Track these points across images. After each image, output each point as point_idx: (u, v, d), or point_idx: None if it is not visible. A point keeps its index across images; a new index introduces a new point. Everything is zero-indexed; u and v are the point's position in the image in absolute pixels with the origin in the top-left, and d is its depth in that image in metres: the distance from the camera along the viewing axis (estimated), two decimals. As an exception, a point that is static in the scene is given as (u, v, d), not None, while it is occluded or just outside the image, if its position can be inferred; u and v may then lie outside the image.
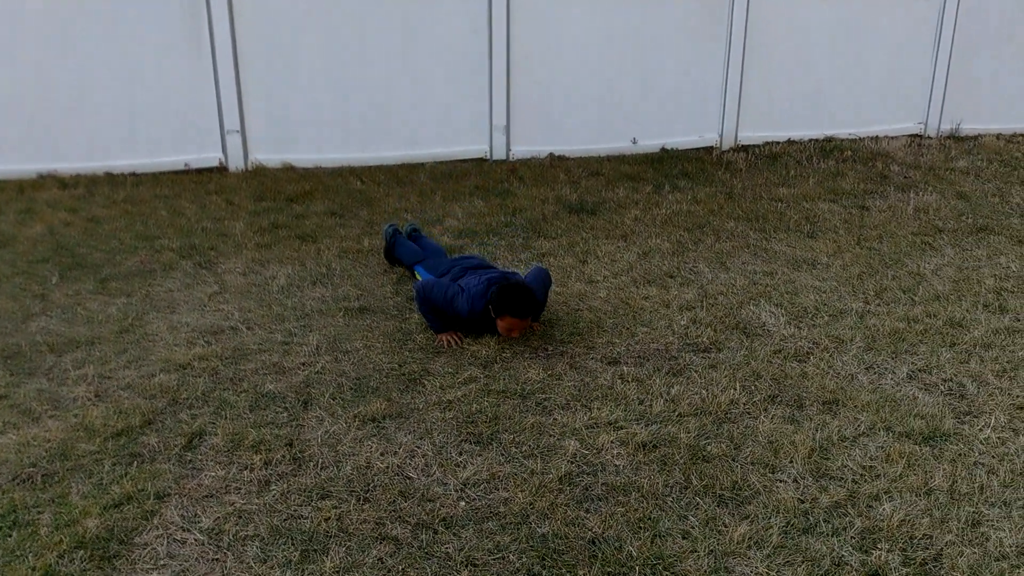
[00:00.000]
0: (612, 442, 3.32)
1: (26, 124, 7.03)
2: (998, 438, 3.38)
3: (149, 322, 4.43)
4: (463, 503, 2.95)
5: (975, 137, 9.03)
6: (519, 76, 7.90)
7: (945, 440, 3.36)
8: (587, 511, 2.92)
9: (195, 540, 2.76)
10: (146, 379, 3.80)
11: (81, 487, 3.02)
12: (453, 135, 7.97)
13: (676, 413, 3.53)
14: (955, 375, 3.88)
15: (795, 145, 8.52)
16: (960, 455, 3.26)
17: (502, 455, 3.23)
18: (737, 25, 8.21)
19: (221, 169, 7.53)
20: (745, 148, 8.48)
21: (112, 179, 7.13)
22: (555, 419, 3.49)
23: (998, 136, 9.09)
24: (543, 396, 3.68)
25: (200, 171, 7.42)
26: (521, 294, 4.06)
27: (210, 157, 7.54)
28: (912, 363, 3.99)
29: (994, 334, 4.30)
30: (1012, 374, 3.90)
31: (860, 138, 8.80)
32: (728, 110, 8.51)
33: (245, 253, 5.44)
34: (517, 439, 3.34)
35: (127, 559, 2.67)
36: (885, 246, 5.63)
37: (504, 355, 4.07)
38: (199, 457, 3.22)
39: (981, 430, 3.44)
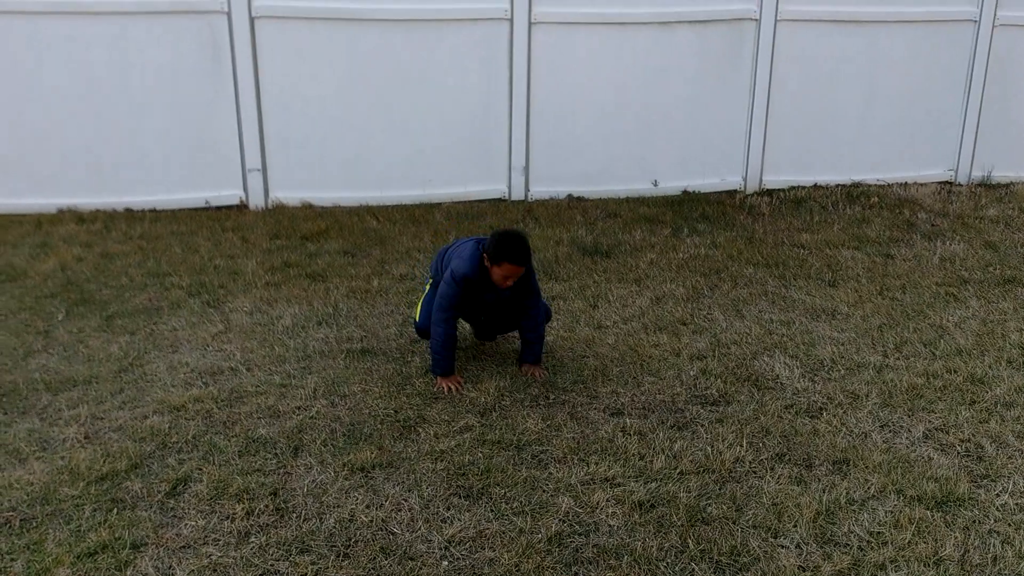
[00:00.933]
0: (608, 500, 3.19)
1: (47, 159, 7.11)
2: (1016, 504, 3.21)
3: (149, 361, 4.39)
4: (446, 562, 2.84)
5: (1007, 185, 8.82)
6: (538, 117, 7.87)
7: (959, 505, 3.19)
8: (575, 575, 2.79)
9: (165, 594, 2.67)
10: (138, 421, 3.74)
11: (58, 534, 2.95)
12: (472, 175, 7.93)
13: (677, 470, 3.40)
14: (973, 435, 3.70)
15: (821, 190, 8.37)
16: (974, 522, 3.09)
17: (491, 511, 3.12)
18: (762, 68, 8.12)
19: (241, 207, 7.55)
20: (769, 192, 8.35)
21: (131, 215, 7.18)
22: (550, 473, 3.37)
23: (1031, 184, 8.88)
24: (540, 448, 3.56)
25: (220, 208, 7.44)
26: (517, 238, 3.96)
27: (231, 195, 7.57)
28: (929, 421, 3.83)
29: (1017, 392, 4.12)
30: (1035, 436, 3.71)
31: (888, 184, 8.63)
32: (752, 153, 8.40)
33: (254, 292, 5.41)
34: (508, 494, 3.22)
35: (93, 613, 2.58)
36: (908, 296, 5.46)
37: (503, 403, 3.97)
38: (181, 505, 3.14)
39: (998, 495, 3.26)
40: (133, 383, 4.13)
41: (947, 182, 8.85)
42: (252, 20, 7.21)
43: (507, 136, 7.88)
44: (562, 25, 7.77)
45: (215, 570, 2.79)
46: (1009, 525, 3.08)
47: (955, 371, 4.34)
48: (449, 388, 4.08)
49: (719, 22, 8.06)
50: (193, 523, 3.02)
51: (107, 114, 7.14)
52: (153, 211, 7.31)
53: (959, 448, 3.61)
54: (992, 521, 3.11)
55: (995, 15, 8.47)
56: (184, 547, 2.89)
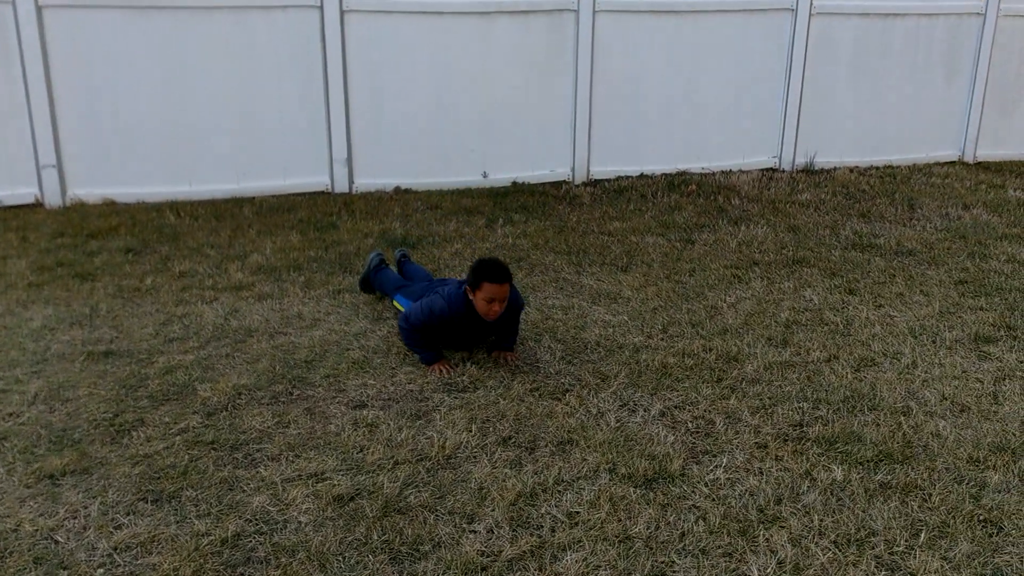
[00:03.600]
0: (307, 496, 3.04)
1: None
2: (727, 479, 3.20)
3: None
4: (102, 570, 2.64)
5: (830, 170, 9.07)
6: (359, 108, 7.69)
7: (668, 482, 3.15)
8: (240, 575, 2.62)
9: None
10: None
11: None
12: (292, 167, 7.69)
13: (393, 460, 3.28)
14: (707, 412, 3.70)
15: (646, 179, 8.43)
16: (678, 498, 3.06)
17: (174, 515, 2.93)
18: (583, 59, 8.12)
19: (37, 205, 7.13)
20: (595, 183, 8.37)
21: (-89, 217, 6.68)
22: (257, 472, 3.20)
23: (852, 169, 9.15)
24: (257, 447, 3.39)
25: (13, 208, 7.00)
26: (493, 260, 4.09)
27: (25, 193, 7.14)
28: (668, 399, 3.81)
29: (766, 369, 4.15)
30: (769, 410, 3.74)
31: (712, 172, 8.76)
32: (579, 144, 8.40)
33: (12, 294, 5.07)
34: (200, 496, 3.04)
35: None
36: (694, 279, 5.50)
37: (239, 401, 3.78)
38: None
39: (712, 471, 3.25)
40: None
41: (771, 168, 9.04)
42: (39, 9, 6.81)
43: (326, 127, 7.68)
44: (378, 14, 7.61)
45: None
46: (713, 500, 3.06)
47: (711, 350, 4.35)
48: (441, 371, 4.09)
49: (539, 12, 8.03)
50: None
51: None
52: (-64, 214, 6.83)
53: (690, 425, 3.60)
54: (697, 497, 3.08)
55: (811, 3, 8.69)
56: None
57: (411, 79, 7.78)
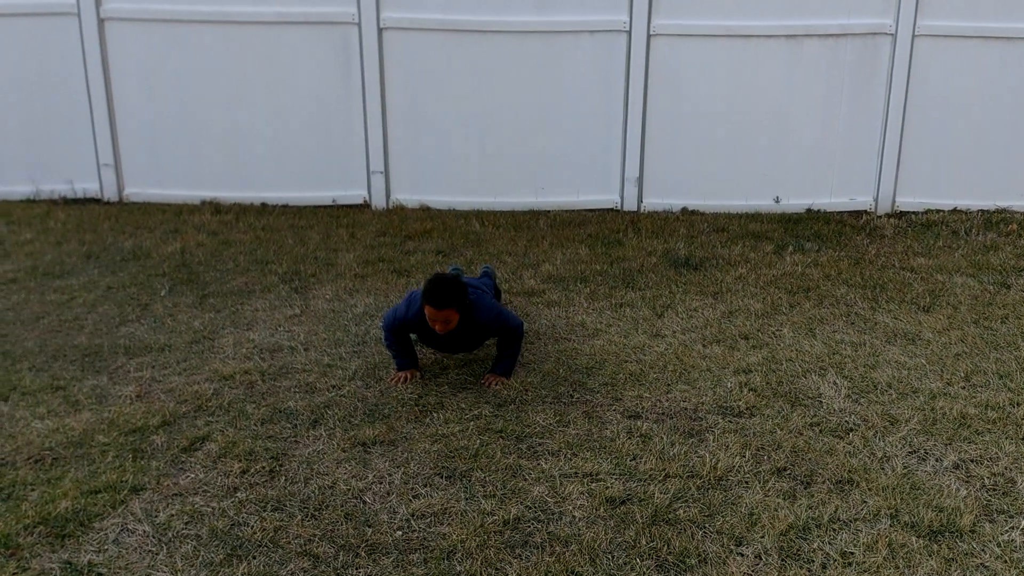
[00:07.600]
0: (581, 493, 3.21)
1: (191, 156, 7.87)
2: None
3: (222, 336, 4.80)
4: (400, 532, 2.97)
5: None
6: (654, 130, 7.86)
7: (956, 536, 2.97)
8: (516, 556, 2.85)
9: (143, 532, 2.96)
10: (188, 386, 4.12)
11: (77, 473, 3.32)
12: (584, 185, 8.03)
13: (664, 473, 3.36)
14: (1008, 469, 3.42)
15: (959, 215, 7.83)
16: (964, 554, 2.87)
17: (464, 492, 3.22)
18: (897, 86, 7.71)
19: (365, 206, 8.01)
20: (901, 214, 7.91)
21: (265, 209, 7.78)
22: (538, 464, 3.43)
23: None
24: (539, 440, 3.62)
25: (346, 207, 7.93)
26: (436, 282, 3.88)
27: (356, 195, 8.06)
28: (965, 451, 3.56)
29: (1085, 431, 3.75)
30: (1086, 477, 3.38)
31: (1041, 211, 7.94)
32: (885, 173, 7.99)
33: (341, 282, 5.76)
34: (487, 478, 3.31)
35: (76, 540, 2.91)
36: (1006, 327, 5.05)
37: (525, 397, 4.05)
38: (191, 459, 3.45)
39: (1007, 531, 3.01)
40: (199, 354, 4.54)
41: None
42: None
43: (620, 147, 7.91)
44: (683, 37, 7.73)
45: (192, 516, 3.06)
46: (1006, 562, 2.84)
47: (1020, 404, 3.99)
48: (402, 377, 4.16)
49: (851, 36, 7.74)
50: (193, 475, 3.32)
51: (243, 115, 7.80)
52: (285, 206, 7.89)
53: (987, 481, 3.35)
54: (987, 556, 2.88)
55: None
56: (176, 494, 3.19)
57: (706, 102, 7.82)
